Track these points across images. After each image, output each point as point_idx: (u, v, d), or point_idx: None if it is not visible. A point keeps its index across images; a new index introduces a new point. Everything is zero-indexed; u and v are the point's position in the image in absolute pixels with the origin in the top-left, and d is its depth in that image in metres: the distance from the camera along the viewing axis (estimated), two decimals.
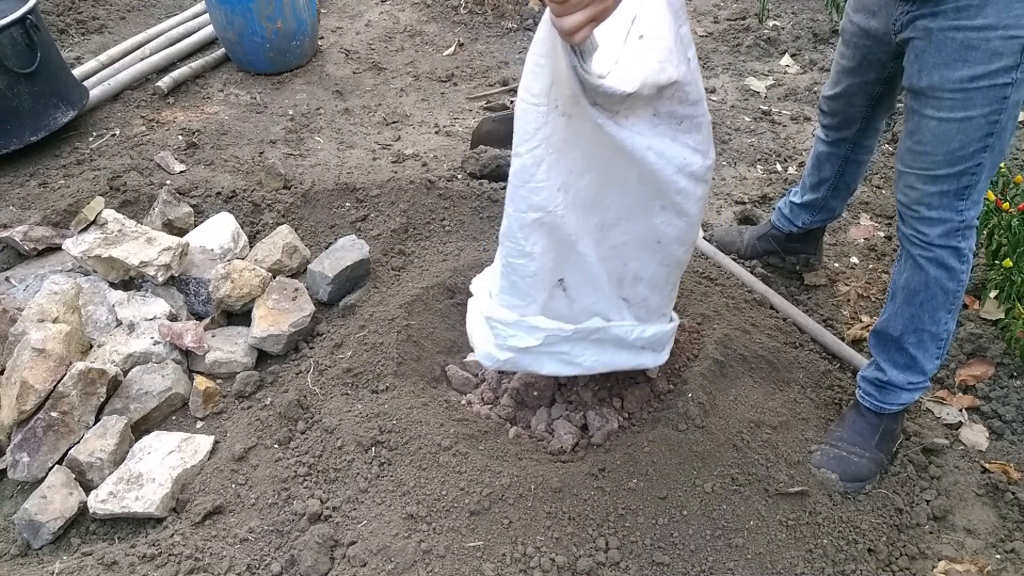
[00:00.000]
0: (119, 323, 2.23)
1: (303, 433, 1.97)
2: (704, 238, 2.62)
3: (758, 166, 3.10)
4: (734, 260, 2.50)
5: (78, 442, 1.97)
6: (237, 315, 2.36)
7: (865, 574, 1.72)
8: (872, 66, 1.91)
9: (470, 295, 1.87)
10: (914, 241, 1.72)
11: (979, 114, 1.54)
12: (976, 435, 2.06)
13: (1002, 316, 2.27)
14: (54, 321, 2.14)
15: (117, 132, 3.24)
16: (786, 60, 3.81)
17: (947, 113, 1.56)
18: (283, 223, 2.64)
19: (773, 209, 2.54)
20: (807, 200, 2.37)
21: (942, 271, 1.72)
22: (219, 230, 2.54)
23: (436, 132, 3.29)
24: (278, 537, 1.77)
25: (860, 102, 2.04)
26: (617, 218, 1.61)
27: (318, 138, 3.25)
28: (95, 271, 2.34)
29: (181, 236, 2.51)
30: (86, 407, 2.02)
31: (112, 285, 2.34)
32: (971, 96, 1.53)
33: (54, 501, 1.84)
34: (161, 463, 1.92)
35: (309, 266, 2.41)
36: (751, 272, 2.47)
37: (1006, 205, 2.38)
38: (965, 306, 2.39)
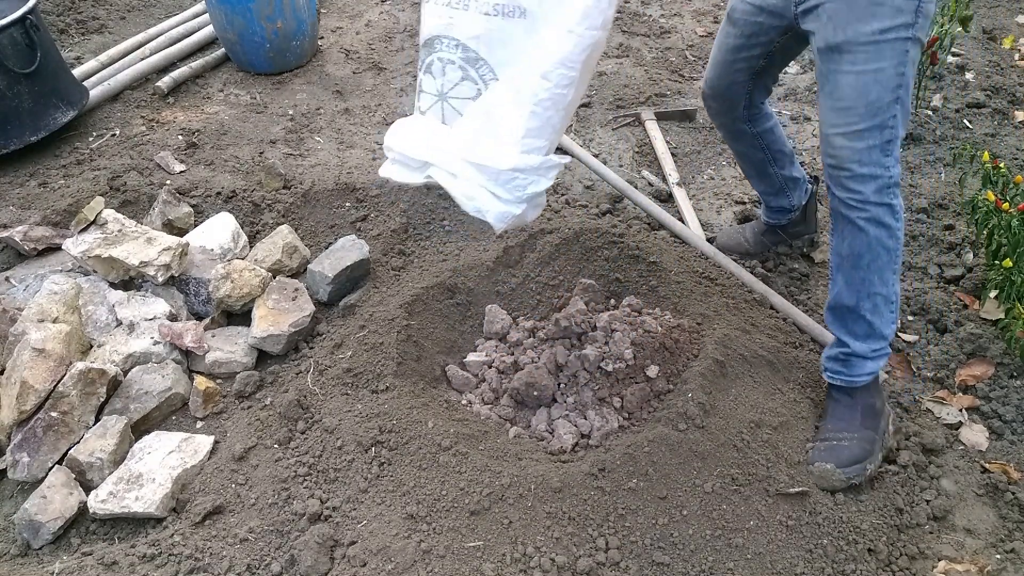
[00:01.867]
0: (119, 323, 2.23)
1: (303, 433, 1.97)
2: (707, 239, 2.62)
3: None
4: (734, 260, 2.51)
5: (78, 442, 1.97)
6: (237, 315, 2.36)
7: (865, 574, 1.72)
8: (760, 42, 2.07)
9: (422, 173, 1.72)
10: (851, 204, 1.78)
11: (889, 65, 1.71)
12: (976, 435, 2.06)
13: (1002, 316, 2.27)
14: (54, 321, 2.14)
15: (117, 132, 3.24)
16: None
17: (862, 66, 1.72)
18: (283, 223, 2.64)
19: (760, 208, 2.60)
20: (769, 188, 2.46)
21: (882, 229, 1.78)
22: (219, 230, 2.54)
23: None
24: (278, 537, 1.77)
25: (742, 78, 2.17)
26: None
27: (318, 138, 3.25)
28: (95, 271, 2.35)
29: (181, 236, 2.51)
30: (86, 407, 2.02)
31: (112, 285, 2.34)
32: (881, 48, 1.70)
33: (54, 501, 1.84)
34: (161, 463, 1.92)
35: (309, 266, 2.41)
36: (751, 272, 2.47)
37: (1006, 205, 2.38)
38: (965, 306, 2.39)
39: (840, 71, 1.75)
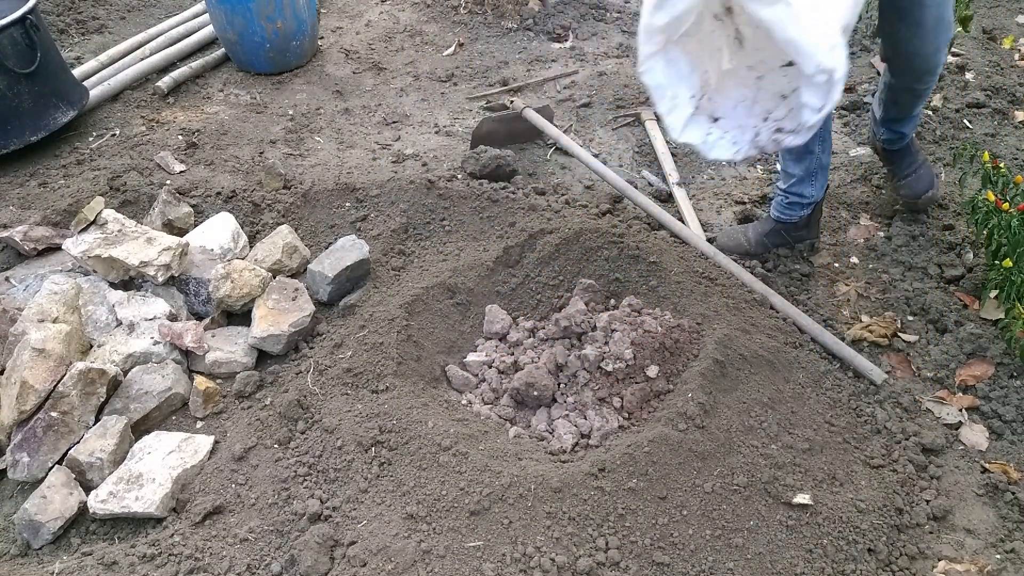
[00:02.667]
0: (119, 323, 2.23)
1: (303, 433, 1.97)
2: (707, 240, 2.62)
3: (758, 166, 3.10)
4: (734, 260, 2.51)
5: (78, 442, 1.98)
6: (237, 315, 2.36)
7: (865, 574, 1.72)
8: None
9: None
10: (925, 91, 2.43)
11: None
12: (976, 435, 2.06)
13: (1002, 316, 2.27)
14: (54, 321, 2.14)
15: (117, 132, 3.24)
16: None
17: None
18: (283, 223, 2.64)
19: (771, 202, 2.60)
20: (801, 171, 2.50)
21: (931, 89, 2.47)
22: (219, 230, 2.54)
23: (436, 132, 3.29)
24: (278, 537, 1.77)
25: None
26: None
27: (318, 138, 3.25)
28: (95, 271, 2.35)
29: (181, 236, 2.51)
30: (86, 407, 2.02)
31: (112, 285, 2.34)
32: None
33: (54, 501, 1.84)
34: (161, 463, 1.92)
35: (309, 266, 2.41)
36: (751, 272, 2.47)
37: (1006, 205, 2.38)
38: (965, 306, 2.39)
39: (924, 5, 2.15)
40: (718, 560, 1.68)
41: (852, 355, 2.21)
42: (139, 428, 2.06)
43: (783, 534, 1.74)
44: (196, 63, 3.66)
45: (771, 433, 1.92)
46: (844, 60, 1.49)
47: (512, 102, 3.17)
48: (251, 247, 2.57)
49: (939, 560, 1.78)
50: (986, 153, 2.60)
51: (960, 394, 2.16)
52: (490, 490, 1.74)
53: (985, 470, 1.97)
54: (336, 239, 2.51)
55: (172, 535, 1.78)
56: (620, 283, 2.37)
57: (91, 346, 2.20)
